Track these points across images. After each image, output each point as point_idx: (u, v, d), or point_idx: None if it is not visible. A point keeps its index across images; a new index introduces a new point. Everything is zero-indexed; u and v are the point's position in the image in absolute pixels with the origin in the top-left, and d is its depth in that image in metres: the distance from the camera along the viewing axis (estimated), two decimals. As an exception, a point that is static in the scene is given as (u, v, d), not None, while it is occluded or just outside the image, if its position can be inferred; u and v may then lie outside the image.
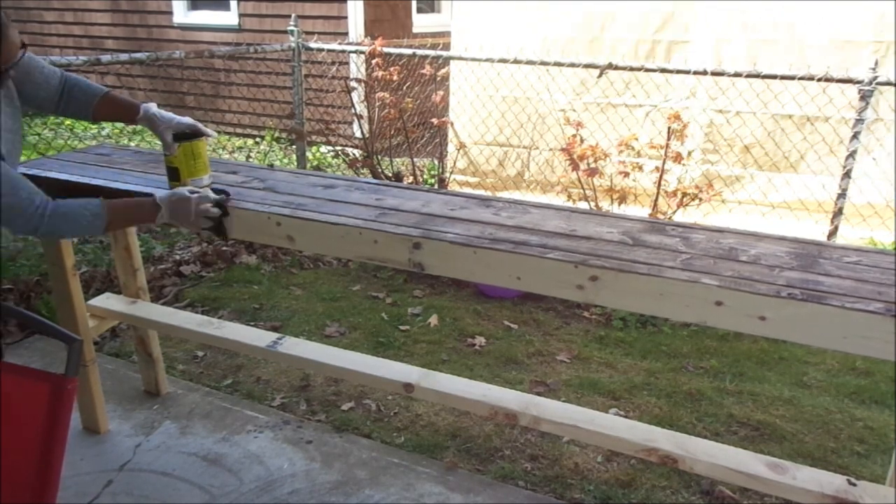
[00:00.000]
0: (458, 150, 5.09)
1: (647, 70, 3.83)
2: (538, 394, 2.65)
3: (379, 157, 4.51)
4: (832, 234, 3.68)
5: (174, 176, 1.83)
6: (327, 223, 1.66)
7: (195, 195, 1.70)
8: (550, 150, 4.88)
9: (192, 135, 1.81)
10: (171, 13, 7.27)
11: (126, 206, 1.70)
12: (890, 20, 3.94)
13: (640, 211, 3.97)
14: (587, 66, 3.87)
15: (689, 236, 1.60)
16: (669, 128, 3.59)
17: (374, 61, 4.27)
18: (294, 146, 5.48)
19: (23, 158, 1.95)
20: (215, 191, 1.78)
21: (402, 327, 3.26)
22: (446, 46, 5.13)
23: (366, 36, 6.19)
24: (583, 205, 3.81)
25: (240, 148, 6.59)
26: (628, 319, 3.35)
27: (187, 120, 1.83)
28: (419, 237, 1.57)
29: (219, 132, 7.17)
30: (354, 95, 4.71)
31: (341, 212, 1.72)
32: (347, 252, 1.68)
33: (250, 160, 5.70)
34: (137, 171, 2.07)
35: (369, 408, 2.61)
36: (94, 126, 7.51)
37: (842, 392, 2.80)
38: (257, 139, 7.00)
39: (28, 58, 1.65)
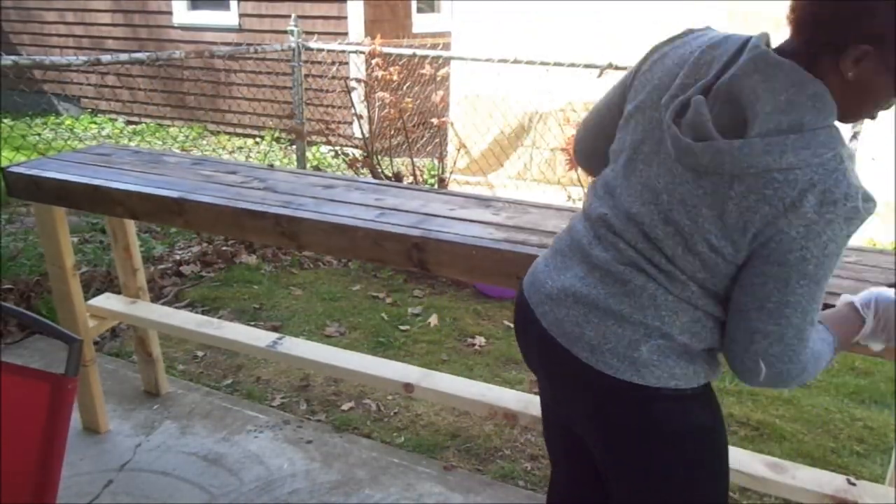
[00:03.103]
0: (458, 150, 5.09)
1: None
2: (538, 393, 2.65)
3: (379, 157, 4.51)
4: (832, 233, 3.67)
5: None
6: (326, 223, 1.66)
7: None
8: (551, 149, 4.88)
9: None
10: (171, 13, 7.27)
11: (839, 322, 1.15)
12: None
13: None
14: (587, 66, 3.87)
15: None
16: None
17: (374, 61, 4.26)
18: (294, 146, 5.48)
19: (22, 158, 1.93)
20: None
21: (402, 327, 3.26)
22: (446, 46, 5.13)
23: (366, 36, 6.19)
24: (583, 205, 3.80)
25: (240, 148, 6.60)
26: (628, 319, 3.35)
27: None
28: (419, 237, 1.57)
29: (219, 132, 7.18)
30: (354, 95, 4.71)
31: (341, 212, 1.72)
32: (347, 252, 1.68)
33: (250, 160, 5.70)
34: (137, 171, 2.07)
35: (369, 408, 2.61)
36: (93, 126, 7.53)
37: (841, 392, 2.80)
38: (257, 139, 7.00)
39: None
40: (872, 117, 1.03)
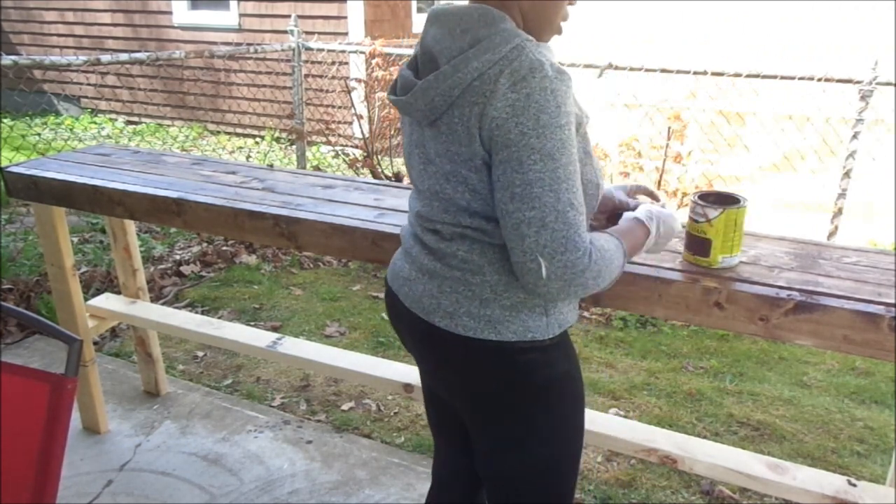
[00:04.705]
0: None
1: (648, 70, 3.84)
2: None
3: (379, 157, 4.51)
4: (832, 234, 3.68)
5: (701, 250, 1.38)
6: (325, 223, 1.66)
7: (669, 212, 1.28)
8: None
9: (732, 199, 1.35)
10: (171, 13, 7.27)
11: (625, 232, 1.22)
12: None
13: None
14: (587, 66, 3.87)
15: (689, 236, 1.59)
16: (669, 128, 3.59)
17: (374, 61, 4.27)
18: (294, 146, 5.48)
19: (22, 158, 1.92)
20: None
21: (401, 327, 3.26)
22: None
23: (366, 36, 6.20)
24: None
25: (240, 148, 6.60)
26: (628, 319, 3.35)
27: None
28: (419, 237, 1.57)
29: (219, 132, 7.18)
30: (354, 95, 4.71)
31: (340, 212, 1.72)
32: (346, 252, 1.68)
33: (250, 160, 5.70)
34: (136, 171, 2.07)
35: (369, 408, 2.61)
36: (93, 126, 7.53)
37: (842, 392, 2.80)
38: (257, 139, 7.00)
39: None
40: (565, 19, 1.16)
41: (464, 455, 1.45)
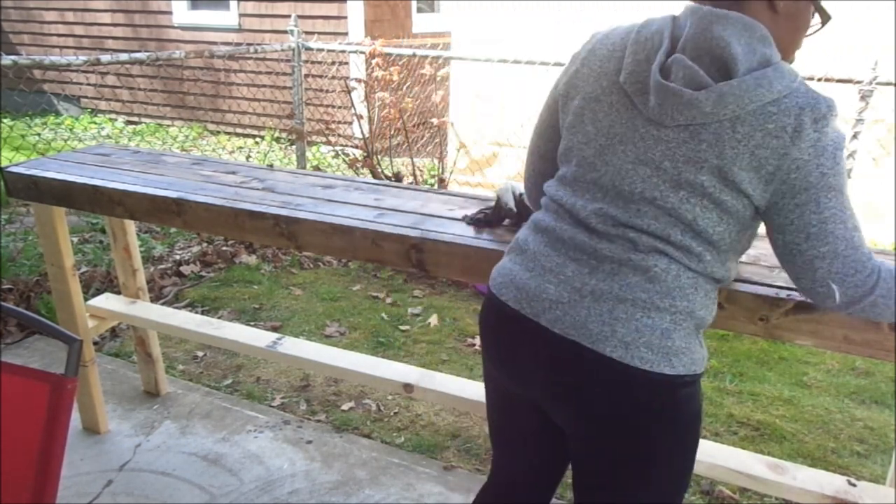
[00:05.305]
0: (459, 150, 5.09)
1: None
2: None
3: (379, 157, 4.51)
4: (832, 234, 3.67)
5: None
6: (325, 223, 1.66)
7: None
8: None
9: None
10: (171, 13, 7.27)
11: None
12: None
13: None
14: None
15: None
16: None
17: (374, 61, 4.27)
18: (294, 146, 5.48)
19: (21, 158, 1.91)
20: None
21: (402, 327, 3.26)
22: (446, 46, 5.13)
23: (366, 36, 6.20)
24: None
25: (240, 148, 6.60)
26: (628, 319, 3.35)
27: None
28: (417, 238, 1.57)
29: (219, 132, 7.18)
30: (354, 95, 4.71)
31: (340, 212, 1.72)
32: (346, 253, 1.68)
33: (250, 160, 5.70)
34: (136, 171, 2.07)
35: (369, 408, 2.61)
36: (93, 126, 7.54)
37: (842, 392, 2.80)
38: (257, 139, 7.00)
39: None
40: (799, 46, 1.12)
41: (527, 479, 1.39)
